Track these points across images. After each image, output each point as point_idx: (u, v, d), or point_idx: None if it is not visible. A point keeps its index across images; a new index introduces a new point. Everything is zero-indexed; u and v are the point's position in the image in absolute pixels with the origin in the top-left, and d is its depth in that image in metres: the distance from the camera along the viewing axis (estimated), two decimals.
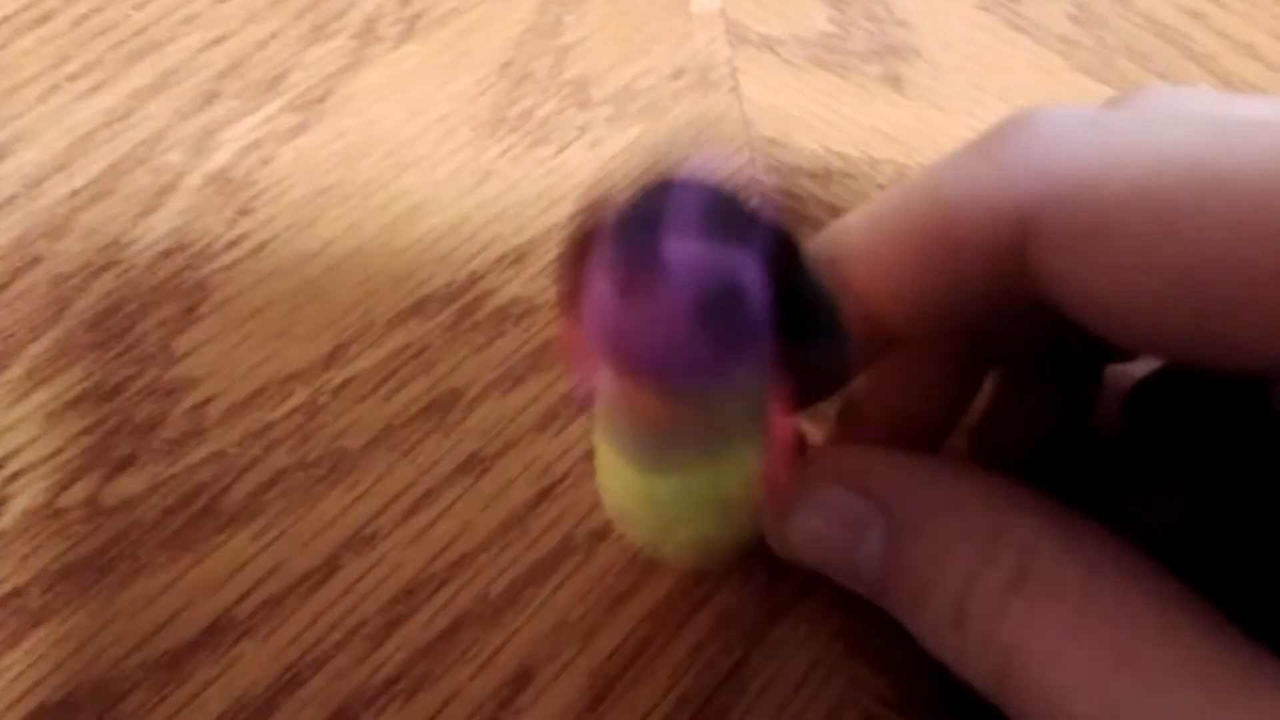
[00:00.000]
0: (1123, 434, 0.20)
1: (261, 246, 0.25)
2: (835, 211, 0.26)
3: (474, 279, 0.24)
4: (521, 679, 0.19)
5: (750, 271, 0.12)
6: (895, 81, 0.28)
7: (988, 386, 0.20)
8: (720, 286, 0.12)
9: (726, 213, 0.13)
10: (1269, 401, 0.19)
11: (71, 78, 0.28)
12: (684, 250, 0.12)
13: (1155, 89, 0.16)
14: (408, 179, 0.26)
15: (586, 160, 0.27)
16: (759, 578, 0.20)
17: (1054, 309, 0.14)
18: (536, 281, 0.24)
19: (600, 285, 0.13)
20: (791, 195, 0.26)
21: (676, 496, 0.16)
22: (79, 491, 0.21)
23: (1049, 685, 0.14)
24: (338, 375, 0.23)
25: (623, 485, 0.17)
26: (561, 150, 0.27)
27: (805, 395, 0.19)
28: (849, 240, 0.16)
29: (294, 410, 0.22)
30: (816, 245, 0.16)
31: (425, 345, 0.23)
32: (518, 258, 0.25)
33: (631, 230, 0.12)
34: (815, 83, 0.28)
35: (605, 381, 0.14)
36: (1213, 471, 0.19)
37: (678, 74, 0.28)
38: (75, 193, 0.25)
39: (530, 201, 0.26)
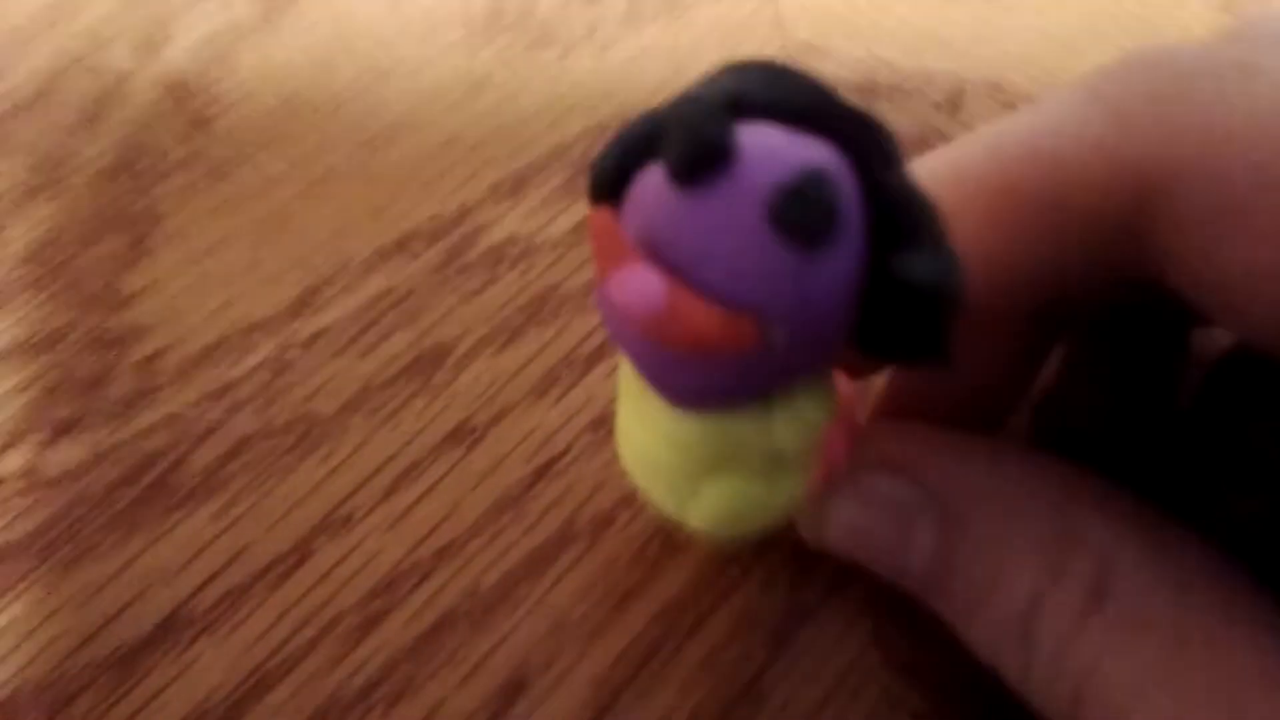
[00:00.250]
0: (1202, 412, 0.18)
1: (219, 166, 0.21)
2: None
3: (464, 211, 0.21)
4: (515, 687, 0.17)
5: (836, 164, 0.10)
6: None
7: (1054, 356, 0.18)
8: (801, 179, 0.10)
9: (807, 99, 0.11)
10: None
11: None
12: (758, 136, 0.10)
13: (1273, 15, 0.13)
14: (387, 88, 0.22)
15: (595, 66, 0.23)
16: (784, 573, 0.18)
17: (1174, 291, 0.12)
18: (537, 215, 0.21)
19: (654, 176, 0.10)
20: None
21: (715, 441, 0.13)
22: (13, 460, 0.19)
23: None
24: (307, 325, 0.20)
25: (650, 426, 0.14)
26: (567, 54, 0.23)
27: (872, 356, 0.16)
28: (943, 183, 0.13)
29: (258, 366, 0.19)
30: None
31: (408, 291, 0.20)
32: (515, 186, 0.21)
33: (695, 114, 0.10)
34: None
35: (646, 289, 0.10)
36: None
37: None
38: (2, 97, 0.22)
39: (530, 117, 0.22)
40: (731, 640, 0.18)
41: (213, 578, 0.18)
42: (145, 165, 0.21)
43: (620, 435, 0.15)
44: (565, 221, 0.21)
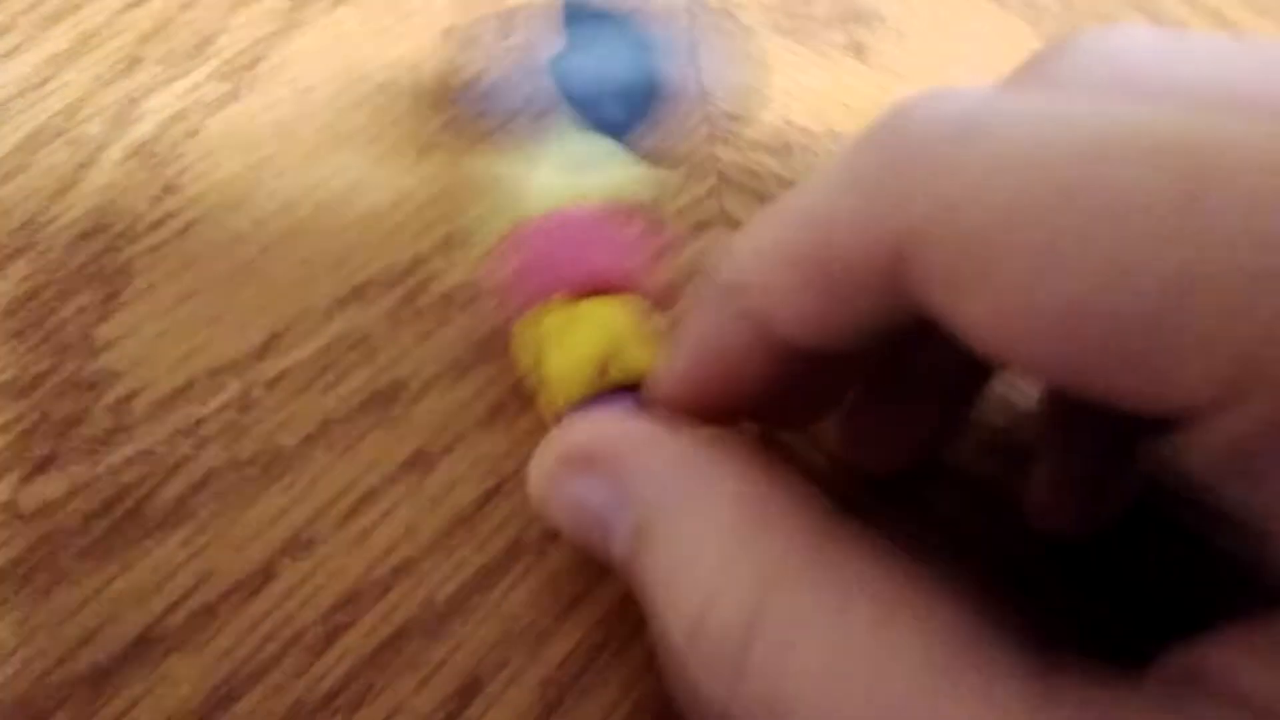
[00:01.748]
0: (1041, 420, 0.20)
1: (188, 227, 0.23)
2: (794, 188, 0.25)
3: (417, 262, 0.23)
4: (469, 690, 0.18)
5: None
6: (858, 50, 0.27)
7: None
8: None
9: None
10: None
11: None
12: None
13: (1082, 40, 0.15)
14: (345, 153, 0.24)
15: (536, 130, 0.25)
16: None
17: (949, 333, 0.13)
18: (484, 264, 0.23)
19: None
20: (750, 173, 0.25)
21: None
22: None
23: None
24: (272, 367, 0.21)
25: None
26: (509, 122, 0.25)
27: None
28: (747, 266, 0.15)
29: (225, 405, 0.21)
30: (721, 269, 0.15)
31: (365, 334, 0.22)
32: (464, 239, 0.23)
33: None
34: (776, 53, 0.27)
35: None
36: (1110, 475, 0.19)
37: None
38: None
39: (476, 176, 0.24)
40: None
41: (182, 599, 0.19)
42: (119, 227, 0.23)
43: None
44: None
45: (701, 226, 0.24)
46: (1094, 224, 0.11)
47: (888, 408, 0.19)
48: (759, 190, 0.25)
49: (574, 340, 0.18)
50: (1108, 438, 0.19)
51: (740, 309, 0.15)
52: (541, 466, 0.17)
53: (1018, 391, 0.21)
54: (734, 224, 0.24)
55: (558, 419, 0.19)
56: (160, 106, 0.25)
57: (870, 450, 0.20)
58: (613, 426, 0.16)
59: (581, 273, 0.18)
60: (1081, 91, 0.14)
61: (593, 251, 0.18)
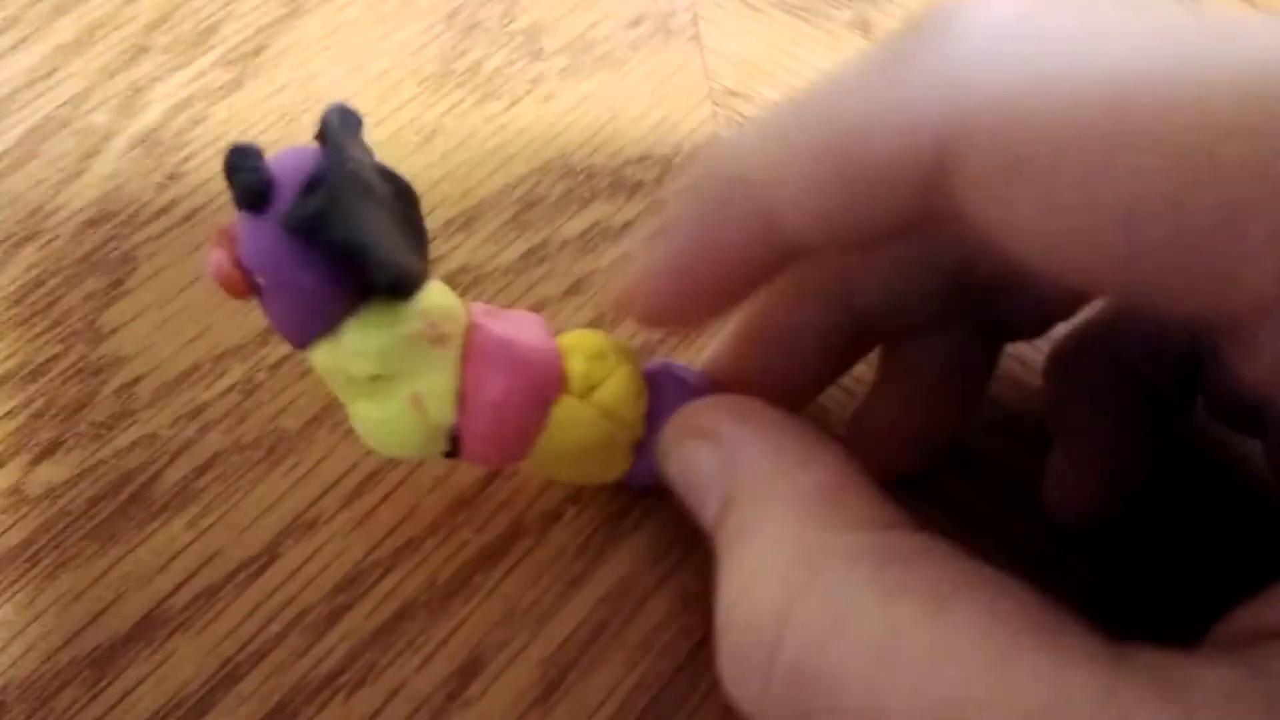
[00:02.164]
0: (1048, 400, 0.19)
1: (193, 214, 0.23)
2: None
3: None
4: (470, 669, 0.18)
5: (301, 158, 0.14)
6: (864, 27, 0.27)
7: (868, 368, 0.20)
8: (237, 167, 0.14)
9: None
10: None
11: None
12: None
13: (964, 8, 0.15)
14: None
15: (539, 116, 0.25)
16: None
17: (977, 241, 0.13)
18: (486, 247, 0.23)
19: None
20: None
21: (324, 369, 0.16)
22: (2, 479, 0.20)
23: None
24: (274, 351, 0.22)
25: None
26: (512, 105, 0.25)
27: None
28: (757, 157, 0.14)
29: (229, 389, 0.21)
30: (721, 160, 0.15)
31: None
32: (466, 222, 0.23)
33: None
34: (781, 29, 0.27)
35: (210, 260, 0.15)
36: (1134, 440, 0.18)
37: (635, 22, 0.27)
38: None
39: (479, 161, 0.24)
40: (671, 619, 0.19)
41: (186, 580, 0.19)
42: (124, 215, 0.23)
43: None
44: (512, 253, 0.23)
45: None
46: (1164, 121, 0.10)
47: (894, 409, 0.19)
48: None
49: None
50: (1118, 415, 0.18)
51: (742, 202, 0.14)
52: (672, 424, 0.17)
53: (1027, 372, 0.21)
54: None
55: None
56: (165, 95, 0.25)
57: (880, 453, 0.20)
58: (731, 402, 0.16)
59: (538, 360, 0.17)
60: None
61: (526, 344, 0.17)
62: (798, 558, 0.13)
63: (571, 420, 0.17)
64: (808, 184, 0.13)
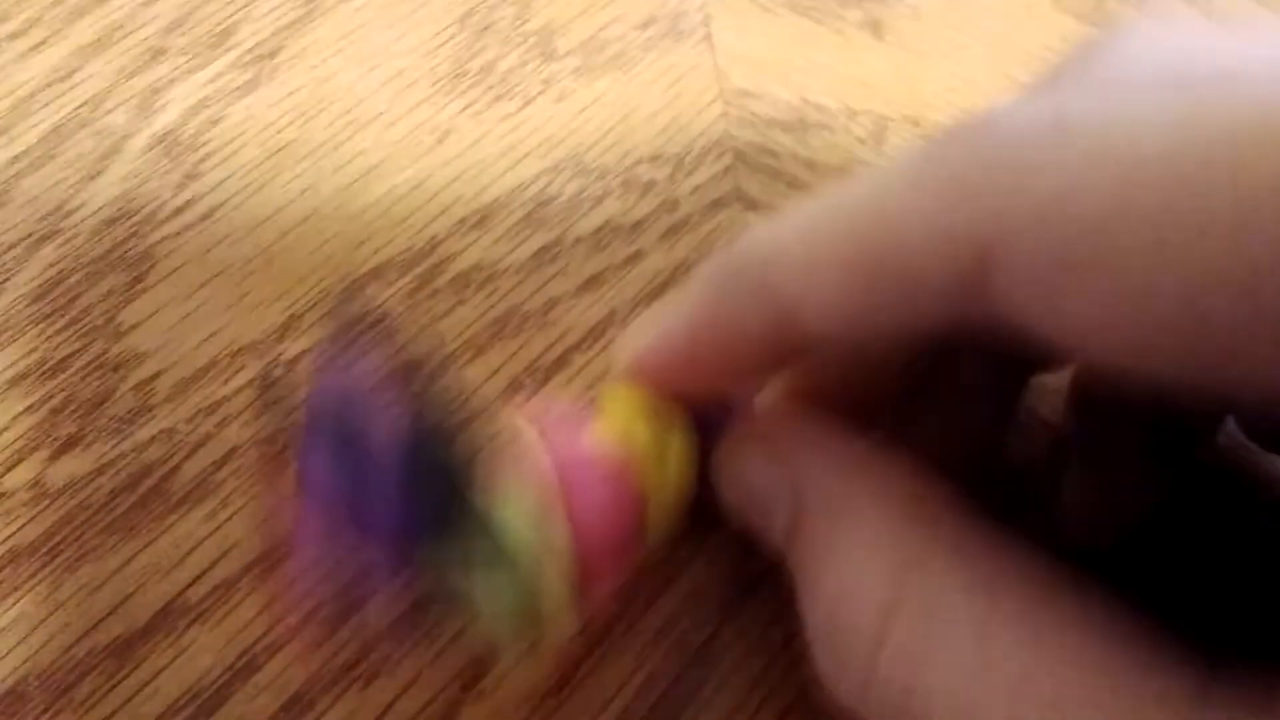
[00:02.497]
0: (1069, 426, 0.19)
1: (210, 212, 0.24)
2: (811, 166, 0.25)
3: (434, 243, 0.23)
4: (484, 662, 0.19)
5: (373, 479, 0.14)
6: (875, 27, 0.27)
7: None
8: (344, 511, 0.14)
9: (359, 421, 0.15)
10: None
11: (12, 36, 0.27)
12: (316, 464, 0.15)
13: (1132, 32, 0.15)
14: (363, 138, 0.25)
15: (551, 115, 0.25)
16: (729, 552, 0.20)
17: (1023, 337, 0.13)
18: (500, 245, 0.23)
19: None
20: (766, 151, 0.25)
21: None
22: (23, 473, 0.20)
23: None
24: (292, 347, 0.22)
25: None
26: (525, 105, 0.26)
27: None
28: (784, 253, 0.14)
29: (246, 384, 0.21)
30: (747, 250, 0.15)
31: (384, 314, 0.22)
32: (480, 220, 0.24)
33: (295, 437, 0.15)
34: (791, 29, 0.27)
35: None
36: (1150, 467, 0.18)
37: (647, 23, 0.27)
38: (15, 158, 0.24)
39: (493, 160, 0.25)
40: (683, 613, 0.19)
41: (205, 572, 0.19)
42: (143, 214, 0.24)
43: None
44: (524, 250, 0.23)
45: (716, 205, 0.24)
46: (1211, 220, 0.10)
47: (926, 427, 0.19)
48: (775, 169, 0.25)
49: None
50: (1138, 442, 0.18)
51: (763, 294, 0.15)
52: (728, 442, 0.17)
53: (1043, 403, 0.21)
54: (749, 202, 0.24)
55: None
56: (183, 96, 0.25)
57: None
58: (790, 420, 0.17)
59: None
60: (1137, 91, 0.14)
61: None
62: (896, 563, 0.14)
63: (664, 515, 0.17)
64: (836, 290, 0.13)
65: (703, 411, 0.18)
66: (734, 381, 0.17)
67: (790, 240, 0.14)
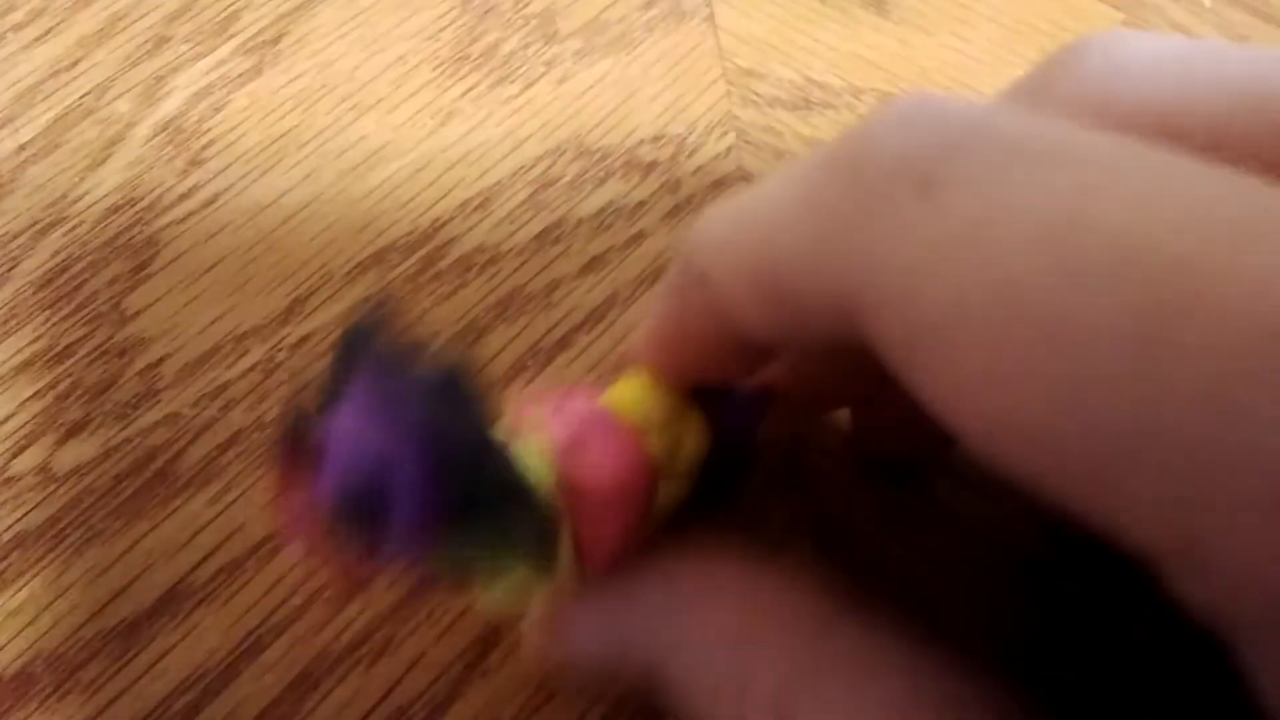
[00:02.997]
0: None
1: (214, 198, 0.24)
2: (814, 145, 0.25)
3: (436, 226, 0.23)
4: (489, 640, 0.19)
5: (404, 454, 0.13)
6: (878, 5, 0.27)
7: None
8: (364, 479, 0.13)
9: (398, 386, 0.13)
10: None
11: (17, 27, 0.27)
12: (341, 433, 0.13)
13: (1090, 52, 0.14)
14: (366, 123, 0.25)
15: (553, 97, 0.25)
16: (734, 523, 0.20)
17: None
18: (502, 228, 0.23)
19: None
20: (770, 130, 0.25)
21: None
22: (30, 458, 0.20)
23: None
24: (295, 331, 0.22)
25: None
26: (527, 88, 0.25)
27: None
28: (710, 258, 0.14)
29: (250, 368, 0.21)
30: (692, 247, 0.14)
31: (387, 297, 0.22)
32: (482, 202, 0.24)
33: (302, 411, 0.13)
34: (794, 8, 0.27)
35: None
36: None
37: (649, 3, 0.27)
38: (21, 147, 0.24)
39: (495, 143, 0.25)
40: None
41: (210, 554, 0.19)
42: (147, 201, 0.24)
43: None
44: (527, 232, 0.23)
45: (719, 185, 0.24)
46: (1055, 340, 0.10)
47: (900, 399, 0.19)
48: (779, 148, 0.25)
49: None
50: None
51: (705, 297, 0.14)
52: (538, 627, 0.17)
53: None
54: (752, 182, 0.24)
55: None
56: (187, 83, 0.25)
57: (883, 441, 0.20)
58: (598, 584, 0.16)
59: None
60: (1085, 111, 0.13)
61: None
62: (770, 686, 0.13)
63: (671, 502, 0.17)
64: (750, 302, 0.13)
65: (709, 397, 0.17)
66: (720, 374, 0.17)
67: (718, 247, 0.14)
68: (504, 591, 0.15)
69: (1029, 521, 0.19)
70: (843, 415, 0.20)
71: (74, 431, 0.21)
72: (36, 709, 0.18)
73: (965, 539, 0.19)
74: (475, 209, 0.23)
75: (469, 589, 0.16)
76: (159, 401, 0.21)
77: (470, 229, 0.23)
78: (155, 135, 0.25)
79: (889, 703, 0.13)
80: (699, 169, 0.24)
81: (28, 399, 0.21)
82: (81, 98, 0.25)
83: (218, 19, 0.26)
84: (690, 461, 0.17)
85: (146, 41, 0.26)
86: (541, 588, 0.16)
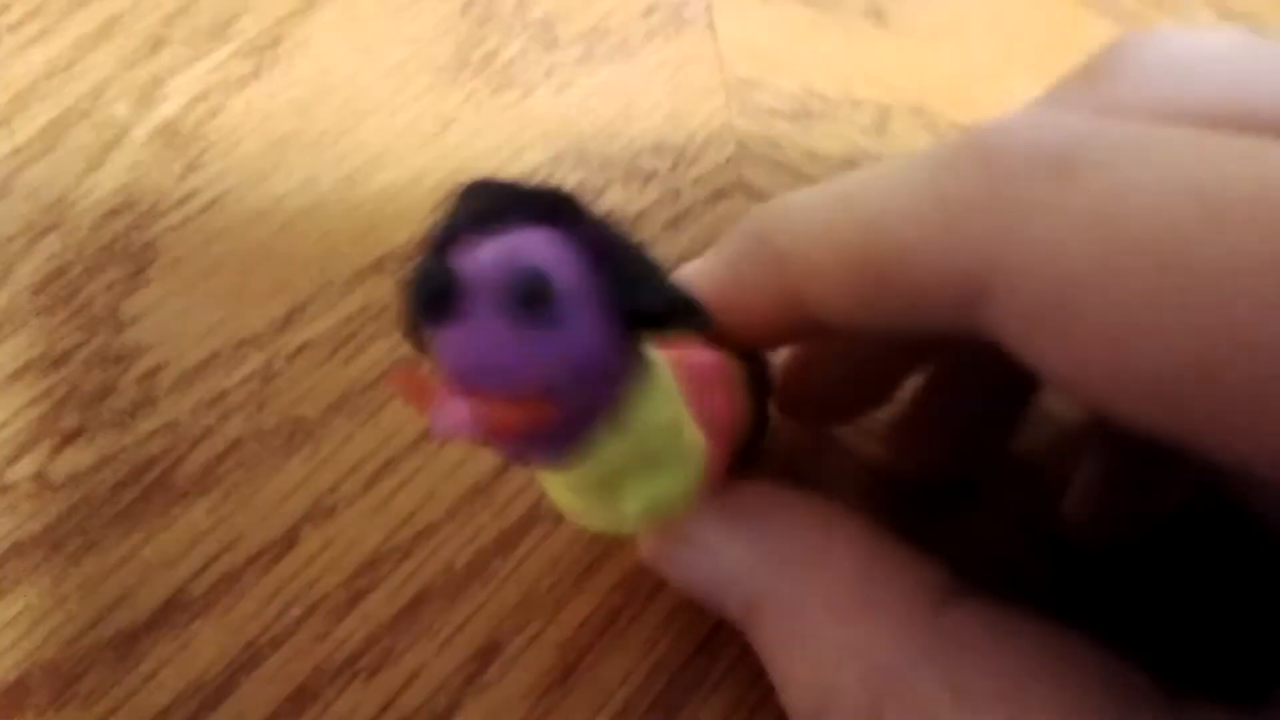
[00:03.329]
0: (1084, 421, 0.19)
1: (212, 203, 0.23)
2: (814, 156, 0.25)
3: None
4: (488, 652, 0.19)
5: (542, 245, 0.12)
6: (878, 16, 0.27)
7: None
8: (515, 278, 0.11)
9: (517, 203, 0.12)
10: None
11: (12, 28, 0.26)
12: (477, 257, 0.11)
13: (1145, 49, 0.14)
14: (365, 129, 0.25)
15: (554, 105, 0.25)
16: None
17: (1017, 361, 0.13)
18: None
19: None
20: (769, 141, 0.25)
21: (601, 472, 0.14)
22: (26, 466, 0.20)
23: None
24: (294, 339, 0.22)
25: (558, 487, 0.16)
26: (527, 95, 0.25)
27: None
28: (793, 236, 0.14)
29: (249, 377, 0.21)
30: (767, 220, 0.15)
31: (386, 306, 0.22)
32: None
33: (421, 270, 0.11)
34: (795, 18, 0.27)
35: (454, 417, 0.12)
36: (1166, 470, 0.18)
37: (649, 11, 0.27)
38: (16, 150, 0.24)
39: (495, 150, 0.24)
40: (686, 604, 0.19)
41: (208, 564, 0.19)
42: (144, 205, 0.23)
43: (555, 501, 0.16)
44: None
45: (719, 195, 0.24)
46: (1196, 287, 0.10)
47: (936, 414, 0.19)
48: (778, 159, 0.25)
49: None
50: (1151, 452, 0.18)
51: (772, 266, 0.14)
52: (665, 530, 0.17)
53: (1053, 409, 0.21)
54: (752, 192, 0.24)
55: None
56: (184, 86, 0.25)
57: (919, 455, 0.20)
58: (718, 506, 0.16)
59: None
60: (1151, 109, 0.13)
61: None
62: (872, 669, 0.13)
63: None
64: (835, 285, 0.13)
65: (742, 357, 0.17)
66: (756, 343, 0.17)
67: (804, 225, 0.14)
68: (638, 494, 0.15)
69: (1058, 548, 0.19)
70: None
71: (70, 439, 0.21)
72: None
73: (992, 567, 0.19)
74: None
75: (597, 494, 0.15)
76: (156, 410, 0.21)
77: None
78: (153, 139, 0.24)
79: (1017, 687, 0.13)
80: (699, 179, 0.24)
81: (23, 406, 0.21)
82: (78, 100, 0.25)
83: (215, 22, 0.26)
84: (748, 407, 0.17)
85: (143, 44, 0.26)
86: (666, 492, 0.15)
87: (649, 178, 0.24)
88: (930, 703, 0.13)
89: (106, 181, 0.24)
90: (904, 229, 0.13)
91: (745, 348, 0.17)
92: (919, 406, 0.19)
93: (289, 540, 0.20)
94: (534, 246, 0.12)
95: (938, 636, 0.13)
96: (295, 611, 0.19)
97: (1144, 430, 0.11)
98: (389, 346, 0.22)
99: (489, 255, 0.11)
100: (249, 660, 0.18)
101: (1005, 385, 0.19)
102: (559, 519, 0.20)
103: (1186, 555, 0.18)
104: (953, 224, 0.12)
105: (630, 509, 0.15)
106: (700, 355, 0.16)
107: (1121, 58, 0.14)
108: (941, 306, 0.12)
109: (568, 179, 0.24)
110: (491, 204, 0.12)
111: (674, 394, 0.14)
